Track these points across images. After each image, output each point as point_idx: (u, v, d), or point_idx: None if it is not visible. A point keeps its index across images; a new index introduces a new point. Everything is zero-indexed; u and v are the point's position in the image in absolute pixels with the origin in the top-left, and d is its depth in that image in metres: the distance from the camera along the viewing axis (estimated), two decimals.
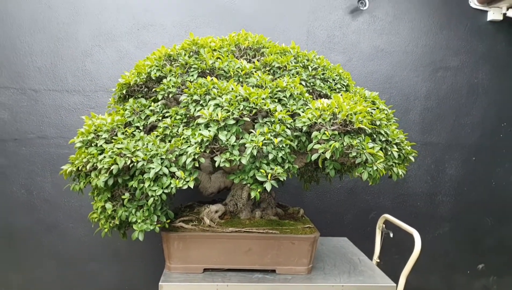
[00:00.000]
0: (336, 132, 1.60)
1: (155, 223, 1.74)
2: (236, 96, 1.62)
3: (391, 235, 2.33)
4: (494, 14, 3.14)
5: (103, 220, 1.77)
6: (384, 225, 2.46)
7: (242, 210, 2.06)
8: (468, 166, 3.23)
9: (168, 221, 1.79)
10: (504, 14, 3.12)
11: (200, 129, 1.61)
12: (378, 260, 2.43)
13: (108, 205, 1.73)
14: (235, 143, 1.59)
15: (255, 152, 1.55)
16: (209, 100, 1.66)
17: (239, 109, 1.60)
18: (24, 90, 2.84)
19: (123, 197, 1.74)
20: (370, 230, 3.06)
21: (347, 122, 1.60)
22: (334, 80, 2.02)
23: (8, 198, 2.88)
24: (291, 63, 1.97)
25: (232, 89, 1.66)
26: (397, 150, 1.82)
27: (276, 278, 1.90)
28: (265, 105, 1.63)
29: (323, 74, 2.02)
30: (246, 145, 1.58)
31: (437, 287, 3.28)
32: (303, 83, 1.95)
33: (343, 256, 2.29)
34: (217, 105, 1.63)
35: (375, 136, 1.77)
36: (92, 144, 1.76)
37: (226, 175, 2.10)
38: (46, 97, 2.86)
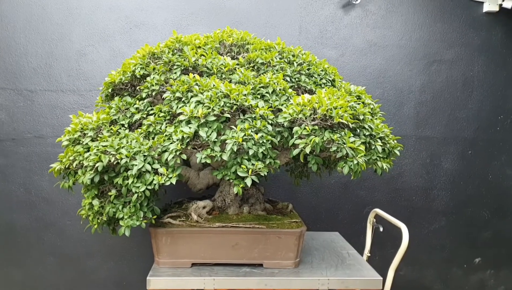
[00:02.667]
0: (317, 127, 1.61)
1: (142, 219, 1.76)
2: (217, 93, 1.64)
3: (381, 229, 2.33)
4: (490, 5, 3.11)
5: (91, 216, 1.81)
6: (375, 220, 2.46)
7: (230, 205, 2.08)
8: (464, 159, 3.21)
9: (155, 217, 1.82)
10: (500, 5, 3.09)
11: (182, 126, 1.63)
12: (369, 254, 2.44)
13: (95, 202, 1.77)
14: (216, 139, 1.61)
15: (235, 148, 1.56)
16: (191, 97, 1.68)
17: (219, 105, 1.62)
18: (20, 90, 2.89)
19: (109, 193, 1.77)
20: (365, 225, 3.06)
21: (327, 117, 1.61)
22: (320, 75, 2.03)
23: (7, 197, 2.93)
24: (276, 59, 1.98)
25: (214, 86, 1.68)
26: (381, 144, 1.82)
27: (263, 272, 1.92)
28: (246, 102, 1.65)
29: (308, 69, 2.03)
30: (226, 141, 1.59)
31: (434, 281, 3.28)
32: (288, 78, 1.96)
33: (332, 250, 2.30)
34: (198, 102, 1.65)
35: (358, 130, 1.77)
36: (79, 142, 1.79)
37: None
38: (42, 97, 2.91)
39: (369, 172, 3.14)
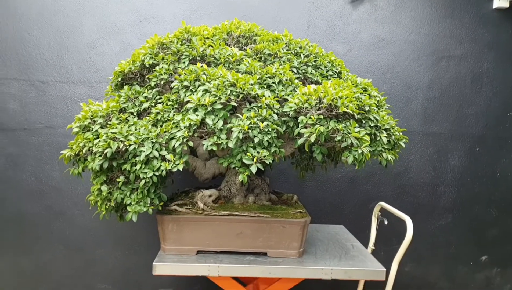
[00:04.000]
0: (322, 117, 1.63)
1: (149, 205, 1.80)
2: (224, 82, 1.66)
3: (386, 222, 2.34)
4: (500, 1, 3.09)
5: (100, 202, 1.85)
6: (380, 213, 2.47)
7: (235, 195, 2.11)
8: (471, 156, 3.20)
9: (161, 203, 1.86)
10: (511, 1, 3.07)
11: (189, 114, 1.66)
12: (374, 248, 2.45)
13: (104, 188, 1.81)
14: (222, 127, 1.63)
15: (241, 136, 1.59)
16: (198, 86, 1.71)
17: (226, 94, 1.64)
18: (33, 81, 2.95)
19: (118, 180, 1.81)
20: (370, 221, 3.06)
21: (332, 106, 1.62)
22: (326, 67, 2.04)
23: (19, 186, 3.00)
24: (283, 50, 2.00)
25: (221, 75, 1.70)
26: (386, 135, 1.83)
27: (267, 260, 1.95)
28: (252, 91, 1.67)
29: (315, 61, 2.04)
30: (232, 129, 1.62)
31: (439, 278, 3.27)
32: (295, 70, 1.98)
33: (337, 242, 2.32)
34: (205, 91, 1.68)
35: (364, 121, 1.79)
36: (89, 129, 1.83)
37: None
38: (53, 88, 2.96)
39: (375, 167, 3.14)
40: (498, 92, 3.17)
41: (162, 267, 1.88)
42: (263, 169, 1.63)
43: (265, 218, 1.96)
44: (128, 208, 1.79)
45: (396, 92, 3.12)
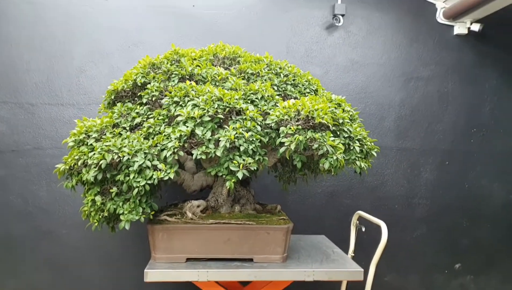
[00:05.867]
0: (300, 127, 1.80)
1: (141, 214, 1.90)
2: (212, 97, 1.83)
3: (363, 229, 2.49)
4: (459, 28, 3.40)
5: (93, 213, 1.94)
6: (358, 221, 2.62)
7: (222, 205, 2.23)
8: (442, 170, 3.42)
9: (153, 212, 1.96)
10: (469, 28, 3.38)
11: (179, 126, 1.81)
12: (353, 254, 2.59)
13: (98, 198, 1.91)
14: (211, 138, 1.78)
15: (228, 145, 1.74)
16: (188, 101, 1.87)
17: (213, 107, 1.80)
18: (22, 104, 3.05)
19: (111, 191, 1.91)
20: (350, 232, 3.21)
21: (309, 118, 1.80)
22: (303, 85, 2.24)
23: (5, 207, 3.03)
24: (264, 70, 2.19)
25: (208, 91, 1.87)
26: (359, 145, 2.01)
27: (253, 265, 2.05)
28: (237, 104, 1.84)
29: (293, 80, 2.24)
30: (220, 139, 1.77)
31: (417, 286, 3.41)
32: (275, 88, 2.16)
33: (318, 249, 2.45)
34: (194, 105, 1.83)
35: (338, 133, 1.97)
36: (84, 143, 1.94)
37: (208, 174, 2.28)
38: (42, 111, 3.06)
39: (353, 181, 3.32)
40: (462, 109, 3.44)
41: (154, 274, 1.96)
42: (248, 179, 1.77)
43: (251, 225, 2.08)
44: (121, 217, 1.89)
45: (370, 111, 3.35)
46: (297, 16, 3.28)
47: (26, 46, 3.03)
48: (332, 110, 1.94)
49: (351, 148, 1.99)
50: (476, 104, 3.44)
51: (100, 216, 1.94)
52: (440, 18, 3.40)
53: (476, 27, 3.33)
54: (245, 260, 2.11)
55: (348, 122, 2.02)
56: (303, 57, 3.30)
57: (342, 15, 3.21)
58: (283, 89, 2.19)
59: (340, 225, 3.28)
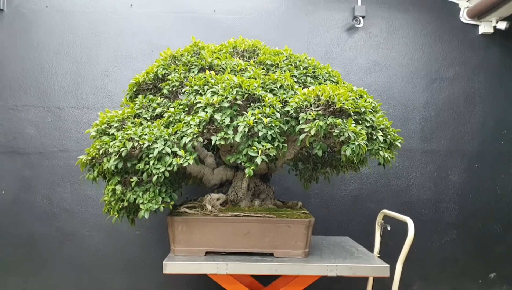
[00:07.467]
0: (320, 113, 1.77)
1: (160, 203, 1.89)
2: (231, 84, 1.83)
3: (389, 228, 2.40)
4: (485, 27, 3.32)
5: (114, 203, 1.94)
6: (383, 221, 2.53)
7: (242, 199, 2.20)
8: (471, 172, 3.28)
9: (172, 202, 1.95)
10: (495, 27, 3.30)
11: (199, 113, 1.81)
12: (378, 255, 2.48)
13: (118, 187, 1.91)
14: (230, 123, 1.77)
15: (246, 130, 1.72)
16: (207, 90, 1.87)
17: (232, 94, 1.80)
18: (49, 107, 3.14)
19: (131, 180, 1.92)
20: (374, 237, 3.10)
21: (330, 103, 1.77)
22: (324, 77, 2.22)
23: (31, 207, 3.09)
24: (283, 62, 2.19)
25: (227, 78, 1.87)
26: (382, 134, 1.95)
27: (273, 259, 1.99)
28: (256, 91, 1.83)
29: (313, 72, 2.22)
30: (238, 124, 1.76)
31: None
32: (295, 79, 2.15)
33: (342, 247, 2.36)
34: (213, 92, 1.83)
35: (360, 122, 1.92)
36: (106, 133, 1.97)
37: (227, 168, 2.27)
38: (69, 114, 3.15)
39: (378, 185, 3.22)
40: (490, 110, 3.31)
41: (172, 266, 1.93)
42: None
43: (271, 218, 2.03)
44: (141, 206, 1.88)
45: (394, 112, 3.28)
46: (317, 18, 3.29)
47: (55, 52, 3.15)
48: (354, 98, 1.90)
49: (374, 137, 1.93)
50: (506, 104, 3.32)
51: (120, 206, 1.94)
52: (464, 17, 3.34)
53: (502, 25, 3.25)
54: (265, 255, 2.06)
55: (370, 111, 1.97)
56: (324, 58, 3.28)
57: (363, 17, 3.20)
58: (302, 80, 2.17)
59: (364, 230, 3.17)
